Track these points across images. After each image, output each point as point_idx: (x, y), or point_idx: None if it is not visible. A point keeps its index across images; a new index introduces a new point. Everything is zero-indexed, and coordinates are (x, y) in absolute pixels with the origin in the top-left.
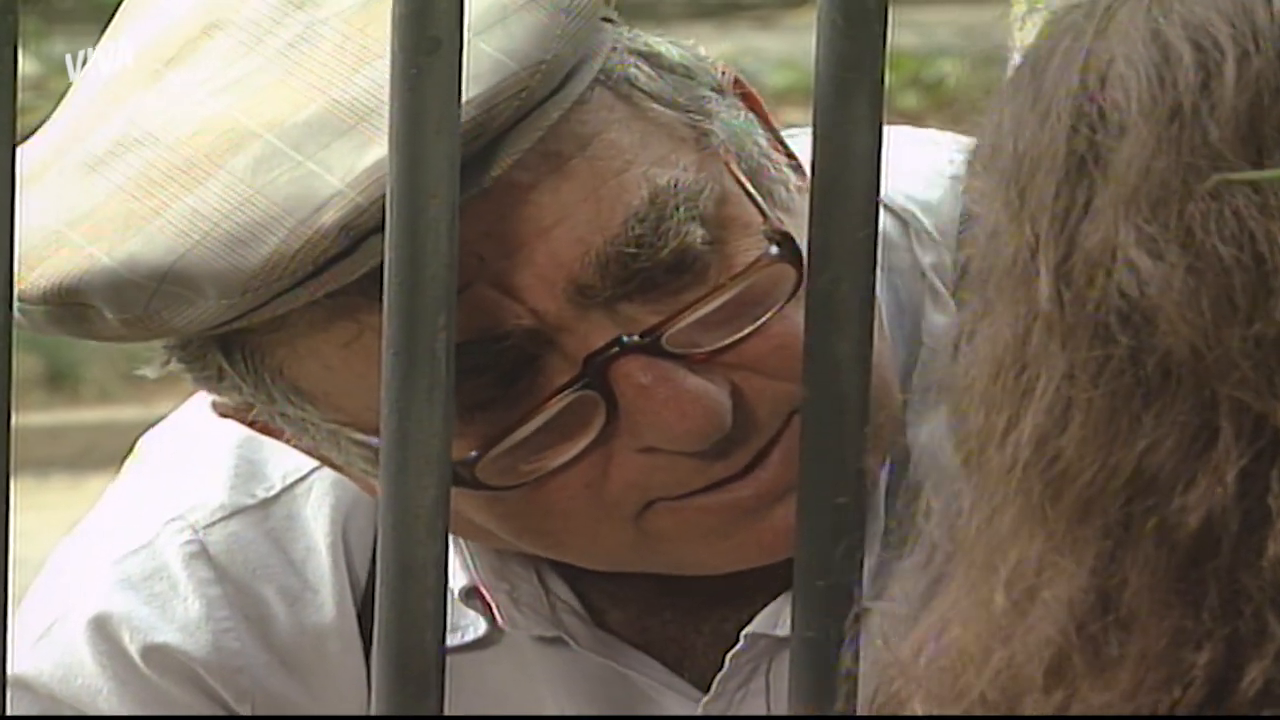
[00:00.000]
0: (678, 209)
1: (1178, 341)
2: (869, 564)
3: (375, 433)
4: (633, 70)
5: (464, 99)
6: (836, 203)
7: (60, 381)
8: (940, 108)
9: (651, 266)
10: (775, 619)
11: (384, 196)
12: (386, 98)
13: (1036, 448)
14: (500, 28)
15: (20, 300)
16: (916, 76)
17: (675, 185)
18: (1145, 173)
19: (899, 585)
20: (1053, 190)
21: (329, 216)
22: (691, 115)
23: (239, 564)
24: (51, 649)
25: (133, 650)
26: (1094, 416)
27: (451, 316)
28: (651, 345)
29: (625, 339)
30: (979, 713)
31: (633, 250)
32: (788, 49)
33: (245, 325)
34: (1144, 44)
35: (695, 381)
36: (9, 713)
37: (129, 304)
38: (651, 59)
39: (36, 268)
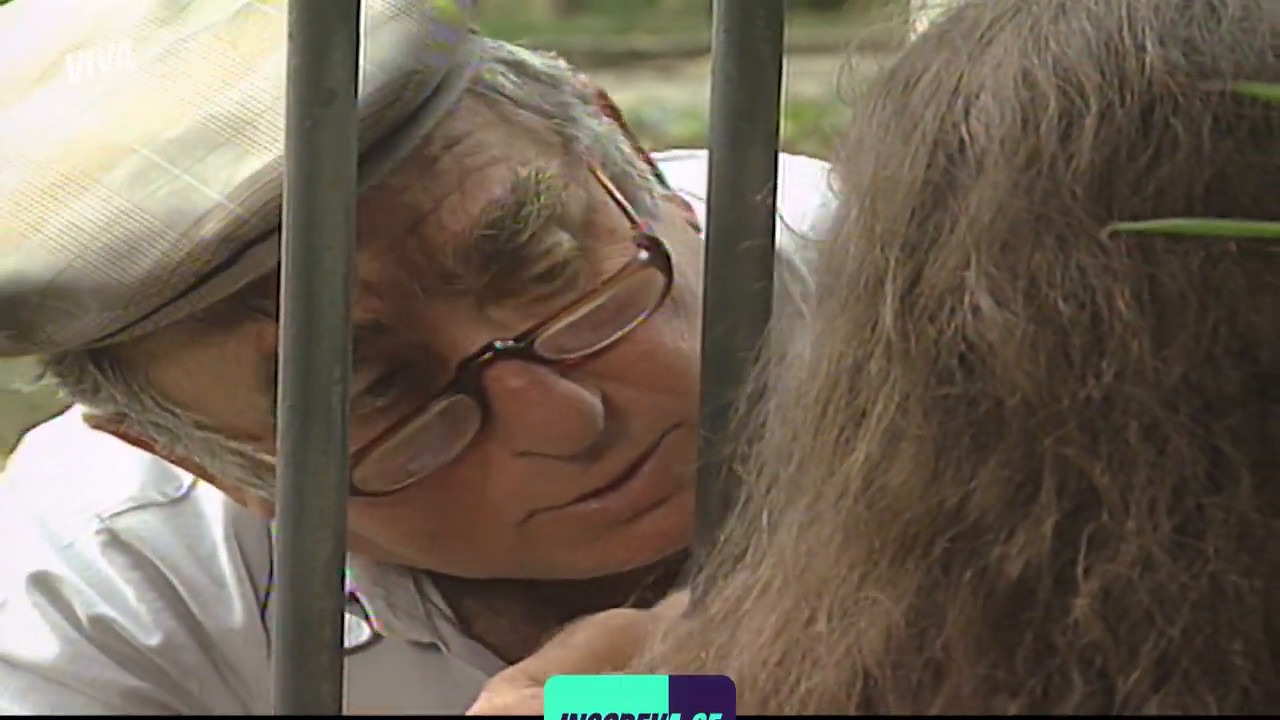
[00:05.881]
0: (538, 196)
1: (1011, 391)
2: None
3: (246, 439)
4: (499, 78)
5: None
6: (732, 253)
7: None
8: None
9: (511, 251)
10: None
11: (263, 207)
12: (261, 110)
13: (866, 477)
14: (370, 39)
15: None
16: (817, 125)
17: (536, 173)
18: (998, 215)
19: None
20: (907, 214)
21: (209, 229)
22: (557, 121)
23: (150, 551)
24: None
25: (80, 614)
26: (923, 453)
27: (348, 369)
28: (524, 350)
29: (499, 344)
30: None
31: (491, 233)
32: (689, 98)
33: (123, 339)
34: (1014, 81)
35: (567, 386)
36: None
37: (12, 320)
38: (516, 67)
39: None
